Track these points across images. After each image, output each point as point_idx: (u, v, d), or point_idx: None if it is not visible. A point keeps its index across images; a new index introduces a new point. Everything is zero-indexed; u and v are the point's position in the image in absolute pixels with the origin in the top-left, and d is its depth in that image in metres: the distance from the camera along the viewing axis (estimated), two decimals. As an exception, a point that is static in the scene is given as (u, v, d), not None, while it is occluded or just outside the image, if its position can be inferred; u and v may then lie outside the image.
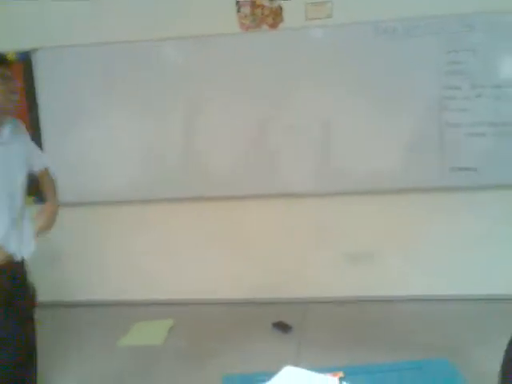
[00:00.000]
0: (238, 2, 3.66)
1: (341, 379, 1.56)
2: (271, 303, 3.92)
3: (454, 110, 3.59)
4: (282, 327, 3.52)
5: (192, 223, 3.99)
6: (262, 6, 3.65)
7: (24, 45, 3.87)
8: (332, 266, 3.89)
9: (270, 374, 1.45)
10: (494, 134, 3.56)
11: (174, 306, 3.99)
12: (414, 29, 3.54)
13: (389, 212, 3.78)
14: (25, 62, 3.90)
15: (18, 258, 2.33)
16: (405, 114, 3.65)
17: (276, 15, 3.64)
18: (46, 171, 2.56)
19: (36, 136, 3.71)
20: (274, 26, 3.66)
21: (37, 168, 2.50)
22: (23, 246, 2.35)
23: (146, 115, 3.87)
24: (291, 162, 3.79)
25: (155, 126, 3.89)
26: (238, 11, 3.67)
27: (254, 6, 3.65)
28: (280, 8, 3.64)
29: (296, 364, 2.79)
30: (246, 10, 3.67)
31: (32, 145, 2.51)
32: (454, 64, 3.53)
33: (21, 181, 2.34)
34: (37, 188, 2.55)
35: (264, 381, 1.43)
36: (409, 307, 3.74)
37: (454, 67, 3.54)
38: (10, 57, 3.88)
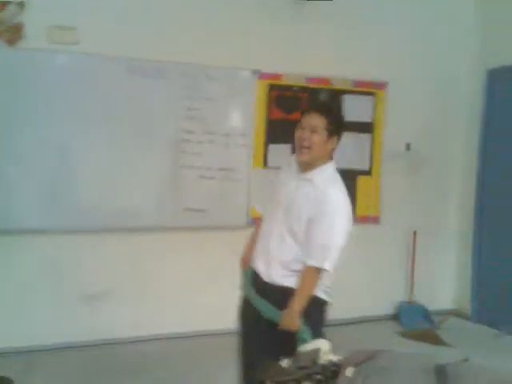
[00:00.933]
0: (-33, 9, 3.27)
1: None
2: None
3: (189, 153, 3.85)
4: (2, 382, 3.09)
5: None
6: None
7: None
8: (63, 309, 3.66)
9: None
10: (221, 178, 3.93)
11: None
12: (158, 71, 3.71)
13: (124, 250, 3.76)
14: None
15: None
16: (146, 153, 3.76)
17: (15, 32, 3.35)
18: None
19: None
20: (11, 42, 3.37)
21: None
22: None
23: None
24: (22, 194, 3.48)
25: None
26: (-31, 19, 3.27)
27: (-11, 17, 3.30)
28: (20, 25, 3.37)
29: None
30: (-20, 19, 3.29)
31: None
32: (191, 110, 3.81)
33: None
34: None
35: None
36: (142, 347, 3.75)
37: (191, 113, 3.82)
38: None
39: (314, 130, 2.19)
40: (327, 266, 2.17)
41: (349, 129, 4.32)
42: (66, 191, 3.59)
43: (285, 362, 1.51)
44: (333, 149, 2.27)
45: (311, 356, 1.51)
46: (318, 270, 2.18)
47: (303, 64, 4.13)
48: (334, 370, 1.43)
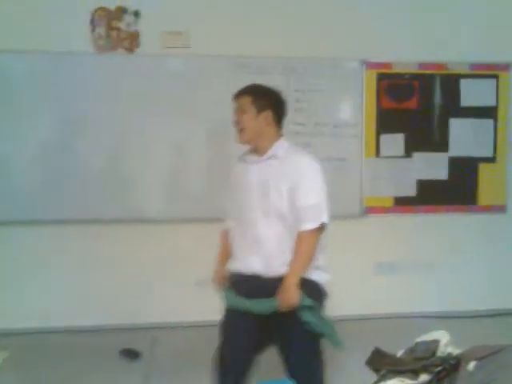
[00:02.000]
0: (92, 22, 3.56)
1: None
2: (118, 330, 3.79)
3: (300, 144, 3.82)
4: (130, 354, 3.41)
5: (34, 247, 3.73)
6: (118, 29, 3.58)
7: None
8: (182, 292, 3.82)
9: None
10: (332, 168, 3.82)
11: (10, 337, 3.65)
12: (266, 66, 3.75)
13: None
14: None
15: None
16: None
17: (133, 40, 3.60)
18: None
19: None
20: (130, 50, 3.62)
21: None
22: None
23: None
24: (145, 186, 3.76)
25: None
26: (93, 31, 3.57)
27: (109, 27, 3.58)
28: (137, 33, 3.61)
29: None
30: (101, 30, 3.57)
31: None
32: (300, 102, 3.80)
33: None
34: None
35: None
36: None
37: (301, 105, 3.80)
38: None
39: (242, 110, 2.23)
40: (325, 218, 2.19)
41: (467, 115, 4.13)
42: (180, 184, 3.82)
43: (401, 352, 1.44)
44: (272, 124, 2.26)
45: (429, 347, 1.42)
46: (316, 231, 2.17)
47: (414, 50, 3.93)
48: (454, 364, 1.34)
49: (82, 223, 3.73)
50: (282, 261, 2.19)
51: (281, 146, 2.26)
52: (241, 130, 2.25)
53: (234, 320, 2.29)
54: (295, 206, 2.17)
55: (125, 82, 3.64)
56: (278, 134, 2.30)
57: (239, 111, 2.24)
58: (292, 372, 2.18)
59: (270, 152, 2.24)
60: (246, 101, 2.23)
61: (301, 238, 2.16)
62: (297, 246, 2.16)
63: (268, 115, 2.24)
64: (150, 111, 3.68)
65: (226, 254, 2.43)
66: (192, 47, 3.69)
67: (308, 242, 2.16)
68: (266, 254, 2.21)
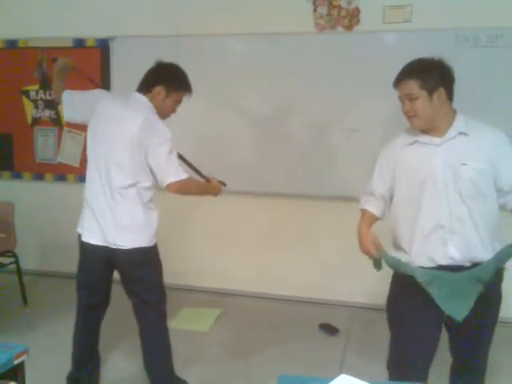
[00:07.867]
0: (315, 2, 3.61)
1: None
2: (320, 304, 3.92)
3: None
4: (329, 329, 3.49)
5: (253, 217, 4.01)
6: (339, 7, 3.57)
7: (102, 32, 4.06)
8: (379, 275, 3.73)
9: (325, 380, 1.42)
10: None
11: (223, 296, 4.05)
12: (499, 39, 3.38)
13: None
14: (102, 48, 4.08)
15: None
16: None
17: (352, 17, 3.56)
18: None
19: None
20: (349, 28, 3.58)
21: None
22: None
23: (209, 108, 3.87)
24: (351, 165, 3.71)
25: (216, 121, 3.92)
26: (315, 11, 3.62)
27: (330, 6, 3.59)
28: (357, 10, 3.56)
29: (340, 369, 2.75)
30: (323, 10, 3.60)
31: None
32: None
33: None
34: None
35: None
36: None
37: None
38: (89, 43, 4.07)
39: (410, 98, 1.97)
40: None
41: None
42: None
43: None
44: (446, 101, 1.98)
45: None
46: None
47: None
48: None
49: (284, 197, 3.90)
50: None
51: (461, 121, 2.00)
52: (413, 117, 2.00)
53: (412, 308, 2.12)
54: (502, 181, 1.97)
55: (342, 60, 3.61)
56: (452, 109, 2.03)
57: (407, 99, 1.99)
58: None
59: (453, 130, 1.98)
60: (413, 86, 1.96)
61: None
62: None
63: (441, 94, 1.97)
64: (367, 88, 3.58)
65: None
66: (412, 21, 3.49)
67: None
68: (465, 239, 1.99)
